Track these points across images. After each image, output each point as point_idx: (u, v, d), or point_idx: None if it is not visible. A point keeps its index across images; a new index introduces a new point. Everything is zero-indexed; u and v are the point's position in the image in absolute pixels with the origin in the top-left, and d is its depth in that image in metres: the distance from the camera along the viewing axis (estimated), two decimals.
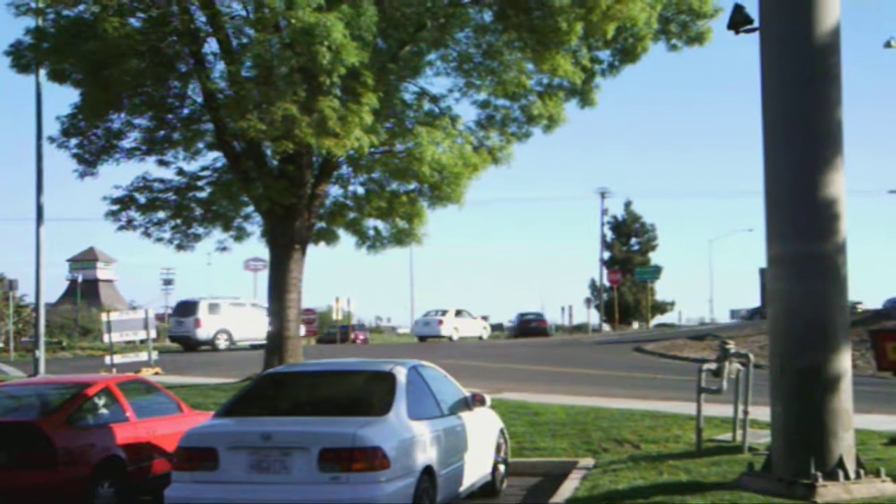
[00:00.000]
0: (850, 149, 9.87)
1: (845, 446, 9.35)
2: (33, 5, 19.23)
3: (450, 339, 48.45)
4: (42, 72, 21.33)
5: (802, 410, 9.44)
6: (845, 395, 9.47)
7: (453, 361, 25.33)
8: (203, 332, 39.58)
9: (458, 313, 50.75)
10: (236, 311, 40.69)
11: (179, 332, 40.76)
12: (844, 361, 9.54)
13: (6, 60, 19.69)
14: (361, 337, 58.08)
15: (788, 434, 9.52)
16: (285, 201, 19.69)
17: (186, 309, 40.65)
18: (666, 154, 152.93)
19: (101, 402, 10.60)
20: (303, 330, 41.04)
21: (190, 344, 39.93)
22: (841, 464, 9.24)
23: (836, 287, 9.58)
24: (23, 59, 19.77)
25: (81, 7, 18.96)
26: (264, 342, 40.59)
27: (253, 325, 39.01)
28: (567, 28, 18.46)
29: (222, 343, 39.77)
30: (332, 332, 55.49)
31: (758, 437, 12.15)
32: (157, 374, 25.19)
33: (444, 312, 50.30)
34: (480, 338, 50.95)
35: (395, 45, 20.12)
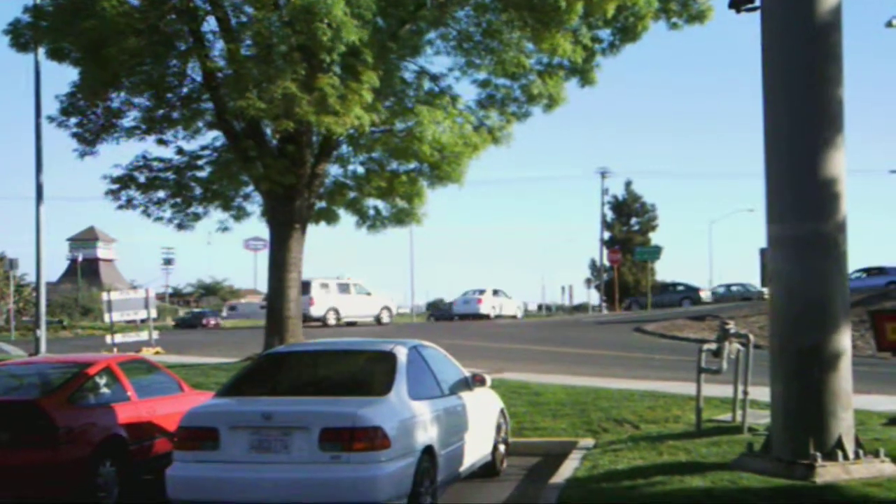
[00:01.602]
0: (851, 128, 9.85)
1: (844, 427, 9.36)
2: None
3: (488, 317, 49.35)
4: (41, 50, 21.23)
5: (802, 390, 9.45)
6: (845, 374, 9.48)
7: (452, 341, 25.37)
8: (316, 310, 41.47)
9: (496, 293, 51.79)
10: (342, 290, 43.13)
11: None
12: (844, 341, 9.54)
13: (5, 39, 19.63)
14: (213, 322, 60.61)
15: (787, 414, 9.54)
16: (285, 181, 19.66)
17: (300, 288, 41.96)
18: (667, 134, 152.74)
19: (102, 381, 10.61)
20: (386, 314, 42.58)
21: (302, 320, 41.00)
22: (840, 444, 9.26)
23: (836, 267, 9.58)
24: (21, 37, 19.68)
25: None
26: (363, 319, 42.39)
27: (356, 304, 42.82)
28: (567, 7, 18.38)
29: (332, 319, 41.95)
30: (188, 316, 56.60)
31: (757, 418, 12.19)
32: (157, 353, 25.26)
33: (482, 292, 51.23)
34: (515, 316, 51.51)
35: (395, 24, 20.02)
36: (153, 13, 18.75)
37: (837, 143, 9.58)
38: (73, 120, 20.66)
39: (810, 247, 9.51)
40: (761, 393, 11.68)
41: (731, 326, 12.37)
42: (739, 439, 11.17)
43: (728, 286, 64.90)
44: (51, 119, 20.85)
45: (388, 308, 45.15)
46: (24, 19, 19.49)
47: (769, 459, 9.53)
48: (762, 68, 9.98)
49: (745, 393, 12.00)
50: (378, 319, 43.80)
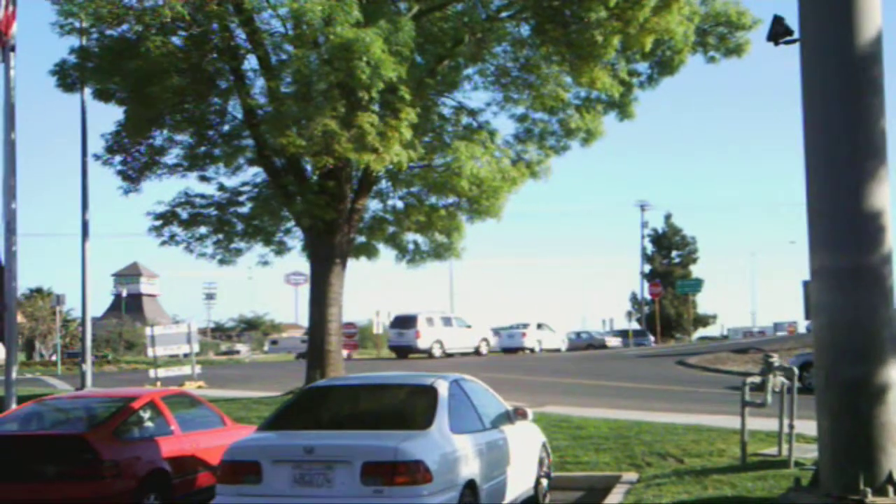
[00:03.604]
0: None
1: (895, 461, 9.19)
2: (77, 25, 19.46)
3: (532, 350, 49.40)
4: (87, 91, 21.68)
5: (849, 424, 9.29)
6: (894, 408, 9.32)
7: (493, 375, 25.28)
8: (423, 342, 42.53)
9: (539, 326, 51.76)
10: (445, 324, 44.19)
11: (400, 342, 43.78)
12: (892, 374, 9.39)
13: (52, 80, 20.06)
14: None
15: (835, 448, 9.38)
16: (326, 216, 19.82)
17: (407, 322, 43.75)
18: (706, 165, 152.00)
19: (146, 415, 10.74)
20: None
21: (409, 352, 42.77)
22: (891, 479, 9.07)
23: (882, 299, 9.44)
24: (68, 78, 20.12)
25: (125, 27, 19.21)
26: (464, 350, 43.29)
27: (457, 336, 43.72)
28: (604, 41, 18.44)
29: (437, 351, 42.70)
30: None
31: (804, 452, 12.01)
32: (200, 387, 25.42)
33: (525, 326, 51.33)
34: (558, 350, 51.44)
35: (433, 60, 20.21)
36: (196, 53, 19.13)
37: (881, 175, 9.48)
38: (118, 158, 21.08)
39: (854, 279, 9.40)
40: (807, 427, 11.51)
41: (775, 359, 12.23)
42: (786, 474, 11.00)
43: (578, 333, 63.43)
44: (96, 157, 21.29)
45: (486, 340, 45.96)
46: (70, 60, 19.92)
47: (818, 495, 9.37)
48: (802, 100, 9.93)
49: (791, 426, 11.82)
50: (477, 351, 44.64)
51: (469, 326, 45.21)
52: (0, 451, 9.92)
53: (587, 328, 70.18)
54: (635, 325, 74.75)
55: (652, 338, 67.36)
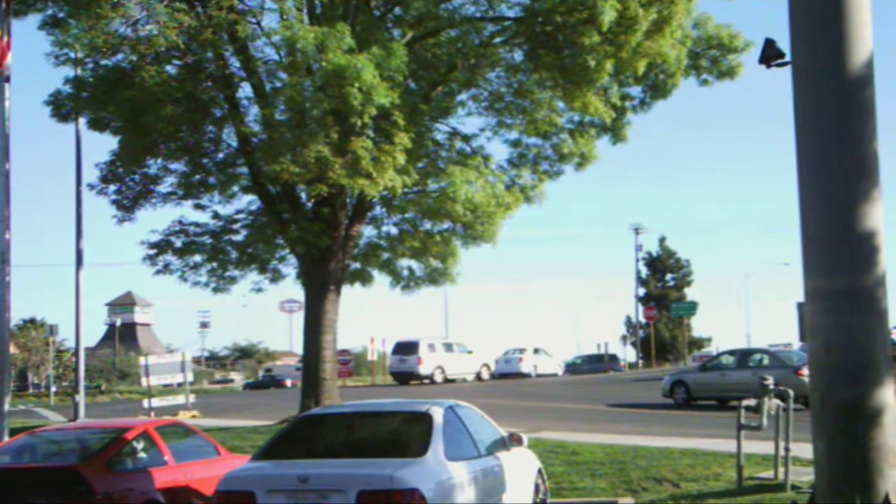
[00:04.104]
0: (888, 179, 9.78)
1: (892, 484, 9.15)
2: (72, 55, 19.54)
3: (529, 375, 48.91)
4: (81, 120, 21.71)
5: (845, 447, 9.26)
6: (890, 430, 9.29)
7: (489, 401, 25.19)
8: (424, 368, 42.29)
9: (536, 351, 51.33)
10: (447, 350, 44.11)
11: (402, 368, 43.40)
12: (887, 396, 9.37)
13: (47, 110, 20.08)
14: None
15: (832, 471, 9.34)
16: (321, 243, 19.80)
17: (408, 348, 43.43)
18: (700, 188, 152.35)
19: (139, 446, 10.67)
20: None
21: (411, 378, 42.58)
22: (887, 502, 9.04)
23: (876, 320, 9.43)
24: (62, 108, 20.16)
25: (119, 56, 19.27)
26: (466, 376, 43.13)
27: (459, 362, 43.61)
28: (597, 66, 18.51)
29: (439, 377, 42.52)
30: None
31: (800, 475, 11.96)
32: (194, 416, 25.30)
33: (522, 350, 50.88)
34: (555, 374, 51.15)
35: (427, 86, 20.30)
36: (190, 81, 19.19)
37: (873, 195, 9.50)
38: (112, 187, 21.07)
39: (848, 301, 9.39)
40: (803, 449, 11.47)
41: (770, 382, 12.20)
42: (783, 497, 10.95)
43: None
44: (91, 187, 21.31)
45: (487, 365, 45.88)
46: (65, 90, 19.96)
47: None
48: (794, 122, 9.96)
49: (787, 449, 11.79)
50: (478, 376, 44.62)
51: (470, 352, 45.10)
52: None
53: (586, 352, 69.75)
54: (630, 349, 74.59)
55: (622, 364, 66.50)
